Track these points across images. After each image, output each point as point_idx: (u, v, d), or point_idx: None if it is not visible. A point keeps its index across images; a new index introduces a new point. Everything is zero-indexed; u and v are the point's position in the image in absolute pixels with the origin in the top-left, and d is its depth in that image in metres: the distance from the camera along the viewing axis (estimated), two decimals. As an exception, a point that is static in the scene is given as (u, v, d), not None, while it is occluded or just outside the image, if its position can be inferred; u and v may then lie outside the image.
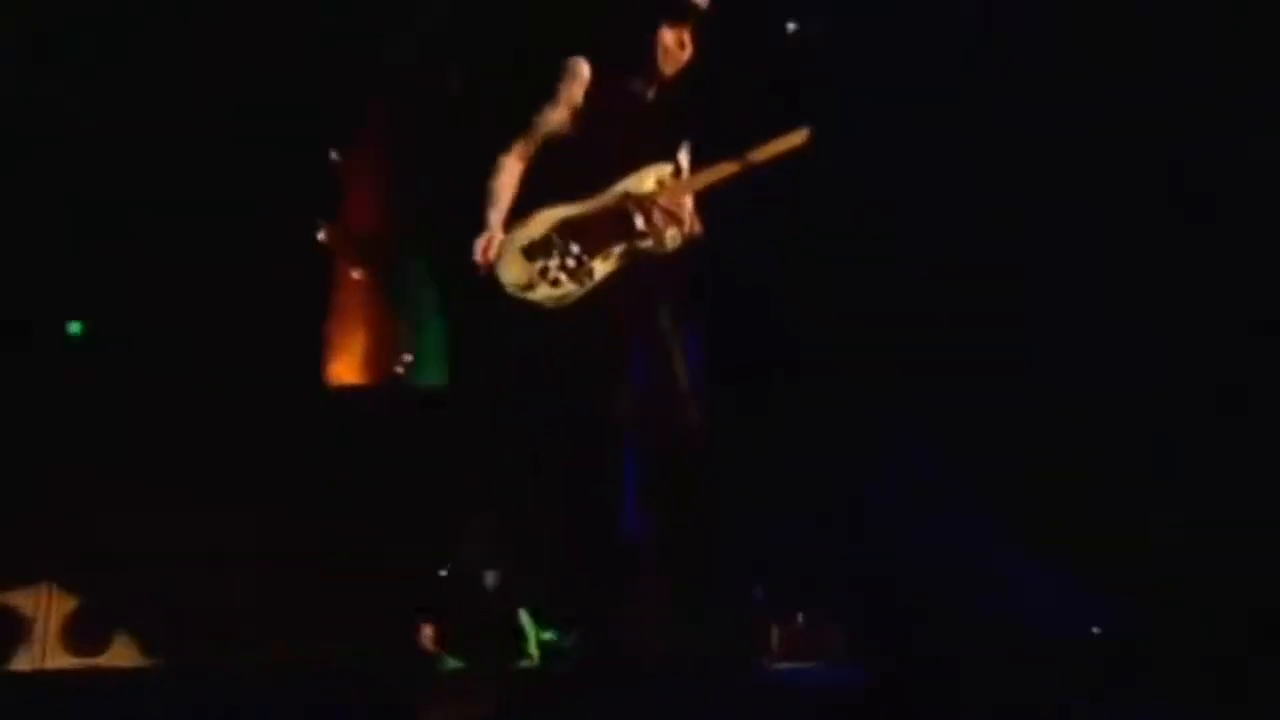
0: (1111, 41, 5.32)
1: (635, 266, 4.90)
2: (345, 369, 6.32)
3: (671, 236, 4.89)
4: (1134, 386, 5.21)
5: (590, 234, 4.89)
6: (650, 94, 5.04)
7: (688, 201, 4.93)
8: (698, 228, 4.95)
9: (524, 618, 5.13)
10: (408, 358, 6.32)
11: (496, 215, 4.94)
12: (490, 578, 5.14)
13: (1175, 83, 5.22)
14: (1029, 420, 5.28)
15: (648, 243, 4.89)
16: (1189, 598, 4.68)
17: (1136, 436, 5.18)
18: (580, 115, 4.99)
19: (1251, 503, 4.90)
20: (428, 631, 5.18)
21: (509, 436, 5.27)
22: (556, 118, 5.01)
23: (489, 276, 4.92)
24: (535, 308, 4.90)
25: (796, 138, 4.89)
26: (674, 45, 4.98)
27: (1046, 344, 5.37)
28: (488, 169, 5.01)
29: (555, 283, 4.88)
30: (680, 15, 4.97)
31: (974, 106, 5.49)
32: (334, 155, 6.41)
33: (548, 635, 5.10)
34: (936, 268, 5.55)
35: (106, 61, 5.93)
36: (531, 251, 4.91)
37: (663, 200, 4.89)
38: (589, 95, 4.99)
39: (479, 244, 4.90)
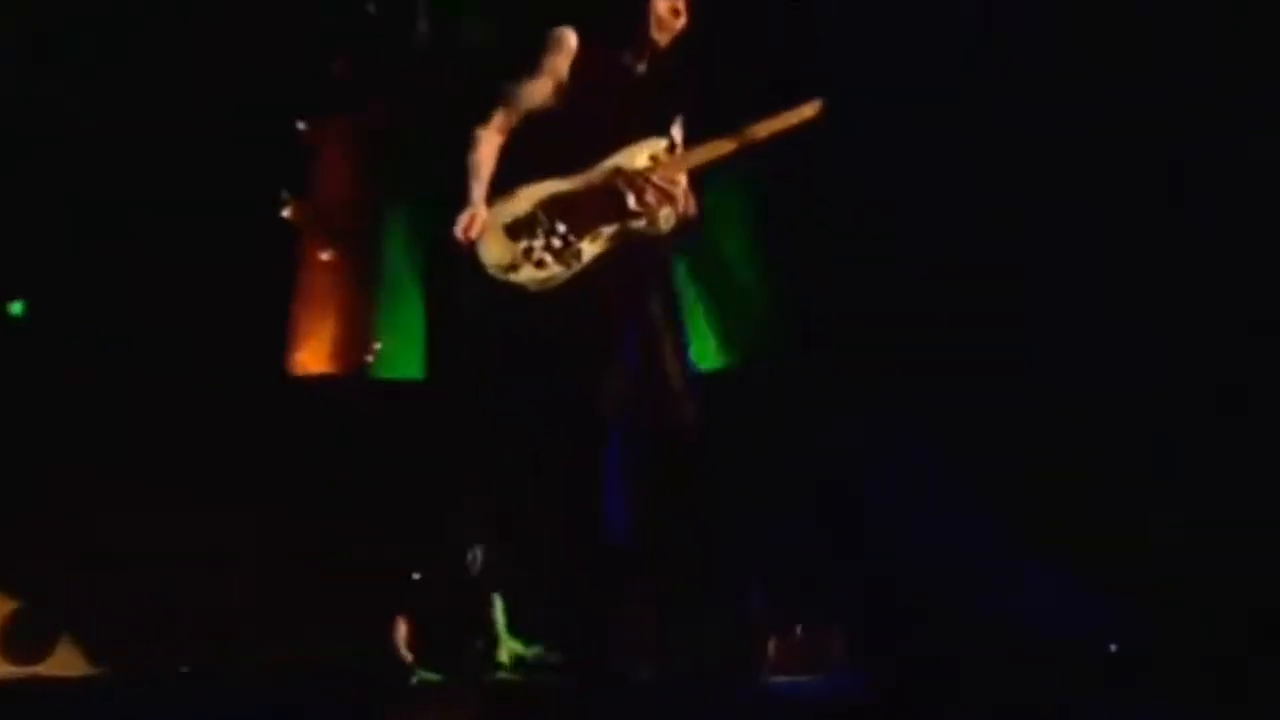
0: (1111, 41, 5.33)
1: (626, 248, 4.75)
2: (313, 357, 6.09)
3: (665, 216, 4.73)
4: (1134, 386, 5.20)
5: (579, 212, 4.71)
6: (642, 65, 4.85)
7: (682, 179, 4.77)
8: (693, 208, 4.79)
9: (499, 618, 5.03)
10: (377, 345, 6.11)
11: (479, 190, 4.73)
12: (476, 554, 5.02)
13: (1175, 83, 5.23)
14: (1029, 420, 5.27)
15: (640, 223, 4.72)
16: (1189, 598, 4.65)
17: (1136, 436, 5.17)
18: (566, 88, 4.79)
19: (1251, 503, 4.88)
20: (402, 634, 5.06)
21: (492, 428, 5.17)
22: (540, 90, 4.80)
23: (470, 255, 4.70)
24: (518, 290, 4.71)
25: (808, 110, 4.78)
26: (667, 13, 4.77)
27: (1046, 344, 5.37)
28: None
29: (540, 264, 4.70)
30: (674, -19, 4.81)
31: (974, 106, 5.50)
32: (301, 125, 6.23)
33: (532, 651, 5.00)
34: (936, 268, 5.54)
35: (106, 61, 5.94)
36: (515, 230, 4.71)
37: (656, 177, 4.71)
38: (577, 67, 4.78)
39: (461, 220, 4.67)
